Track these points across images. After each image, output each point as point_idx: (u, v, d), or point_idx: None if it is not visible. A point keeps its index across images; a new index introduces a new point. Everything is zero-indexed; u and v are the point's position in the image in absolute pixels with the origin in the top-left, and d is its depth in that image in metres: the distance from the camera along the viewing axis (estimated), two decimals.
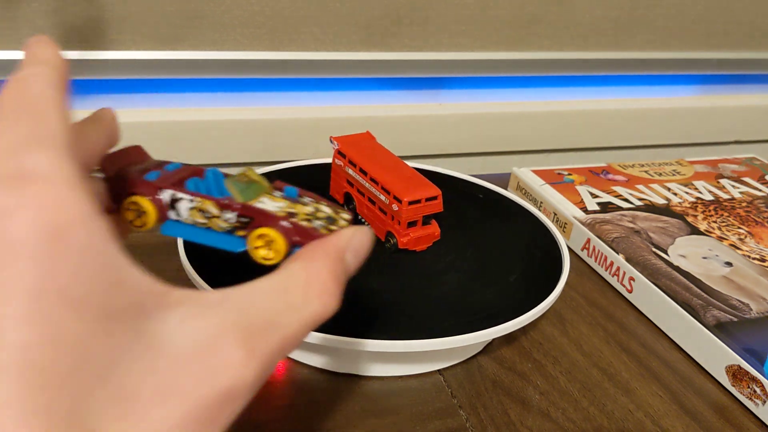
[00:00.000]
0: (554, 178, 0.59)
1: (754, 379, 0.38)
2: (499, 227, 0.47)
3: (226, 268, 0.39)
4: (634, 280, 0.47)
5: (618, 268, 0.48)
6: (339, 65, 0.64)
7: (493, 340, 0.42)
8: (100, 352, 0.16)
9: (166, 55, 0.58)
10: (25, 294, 0.15)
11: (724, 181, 0.63)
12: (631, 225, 0.52)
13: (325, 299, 0.21)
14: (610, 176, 0.61)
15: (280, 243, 0.23)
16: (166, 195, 0.24)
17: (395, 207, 0.41)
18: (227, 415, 0.18)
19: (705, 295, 0.44)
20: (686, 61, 0.77)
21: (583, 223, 0.52)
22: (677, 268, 0.47)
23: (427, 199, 0.41)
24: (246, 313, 0.19)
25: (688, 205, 0.57)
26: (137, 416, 0.16)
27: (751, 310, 0.43)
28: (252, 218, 0.23)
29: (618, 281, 0.49)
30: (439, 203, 0.42)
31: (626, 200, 0.57)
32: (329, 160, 0.55)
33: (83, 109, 0.62)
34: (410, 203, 0.40)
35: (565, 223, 0.54)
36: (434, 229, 0.43)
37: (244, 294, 0.20)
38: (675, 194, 0.59)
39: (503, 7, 0.66)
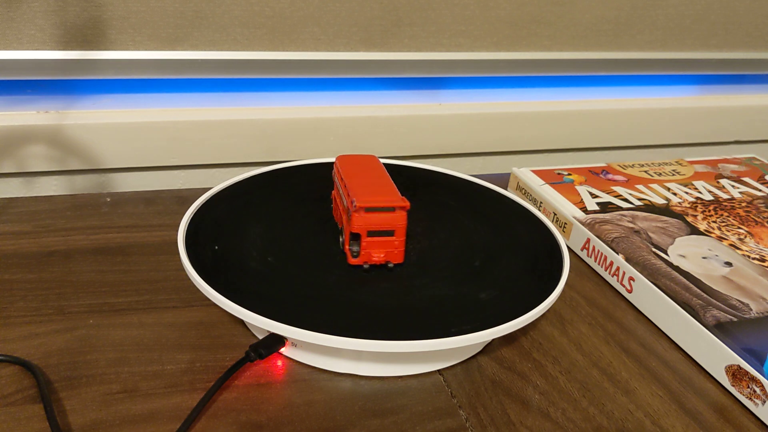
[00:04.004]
0: (554, 178, 0.59)
1: (753, 379, 0.38)
2: (498, 227, 0.47)
3: (227, 268, 0.39)
4: (633, 280, 0.47)
5: (618, 268, 0.48)
6: (339, 65, 0.64)
7: (493, 340, 0.42)
8: None
9: (166, 55, 0.59)
10: None
11: (723, 181, 0.63)
12: (631, 225, 0.52)
13: None
14: (610, 176, 0.61)
15: None
16: None
17: None
18: None
19: (705, 295, 0.44)
20: (686, 61, 0.77)
21: (582, 223, 0.52)
22: (677, 268, 0.47)
23: None
24: None
25: (688, 205, 0.57)
26: None
27: (751, 310, 0.43)
28: None
29: (618, 281, 0.49)
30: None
31: (626, 200, 0.57)
32: (329, 160, 0.55)
33: (83, 109, 0.62)
34: None
35: (565, 223, 0.54)
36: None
37: None
38: (675, 194, 0.59)
39: (503, 7, 0.66)
